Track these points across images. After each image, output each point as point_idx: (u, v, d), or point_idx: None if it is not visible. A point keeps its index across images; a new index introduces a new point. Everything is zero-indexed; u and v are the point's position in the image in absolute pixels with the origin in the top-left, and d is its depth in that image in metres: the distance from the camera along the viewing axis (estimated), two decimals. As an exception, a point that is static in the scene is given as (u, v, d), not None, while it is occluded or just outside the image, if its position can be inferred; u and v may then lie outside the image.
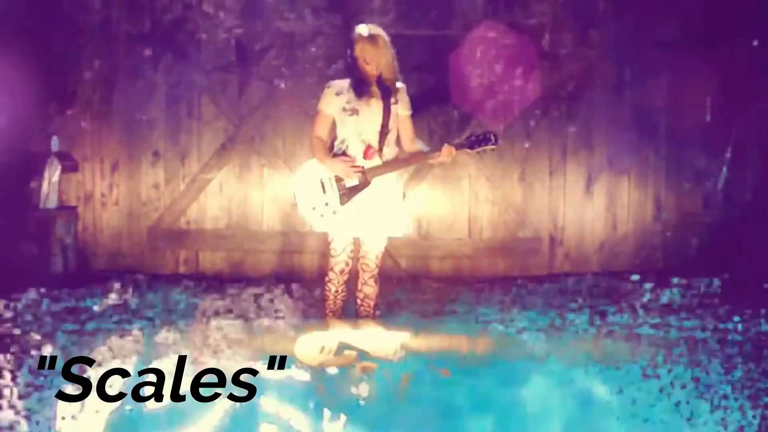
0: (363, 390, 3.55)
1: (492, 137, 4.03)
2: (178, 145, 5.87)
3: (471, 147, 4.08)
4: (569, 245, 5.96)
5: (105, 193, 5.90)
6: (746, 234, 5.75)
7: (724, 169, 5.90)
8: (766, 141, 5.81)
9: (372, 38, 4.02)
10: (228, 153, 5.86)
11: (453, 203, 5.90)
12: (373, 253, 4.24)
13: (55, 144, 5.62)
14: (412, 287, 5.54)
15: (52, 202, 5.58)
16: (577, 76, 5.86)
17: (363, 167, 4.08)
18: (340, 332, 4.24)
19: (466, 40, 5.79)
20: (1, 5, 5.33)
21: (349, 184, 4.08)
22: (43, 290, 5.12)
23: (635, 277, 5.66)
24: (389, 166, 4.11)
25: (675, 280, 5.53)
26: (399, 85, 4.19)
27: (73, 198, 5.87)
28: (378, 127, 4.10)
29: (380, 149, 4.10)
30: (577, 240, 5.96)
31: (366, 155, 4.08)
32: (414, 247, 5.89)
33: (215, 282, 5.61)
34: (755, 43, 5.75)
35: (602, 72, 5.87)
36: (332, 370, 3.76)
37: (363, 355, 3.94)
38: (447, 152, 4.04)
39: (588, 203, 5.96)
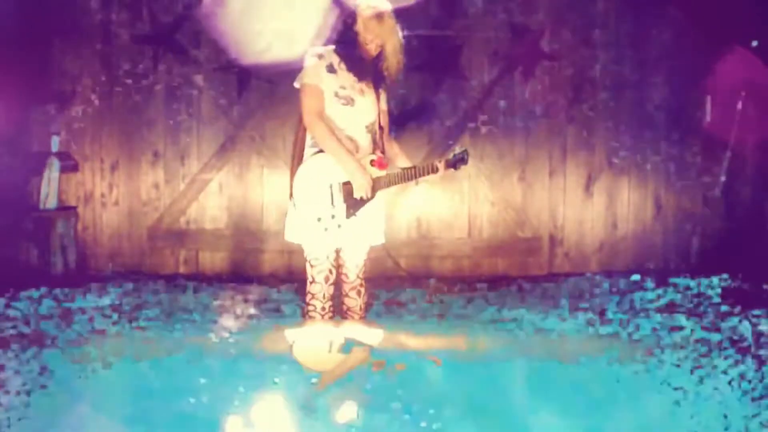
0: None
1: (467, 157, 3.67)
2: (178, 145, 5.87)
3: (454, 167, 3.66)
4: (569, 245, 5.96)
5: (105, 193, 5.90)
6: (746, 234, 5.75)
7: (724, 168, 5.90)
8: (766, 142, 5.80)
9: (378, 14, 3.47)
10: (228, 153, 5.87)
11: (453, 203, 5.90)
12: (353, 265, 3.70)
13: (55, 144, 5.62)
14: (412, 287, 5.54)
15: (52, 202, 5.58)
16: (577, 76, 5.86)
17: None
18: (342, 328, 3.78)
19: (465, 40, 5.79)
20: (1, 6, 5.34)
21: (356, 194, 3.51)
22: (43, 290, 5.12)
23: (635, 277, 5.66)
24: (394, 179, 3.58)
25: (675, 280, 5.53)
26: None
27: (73, 198, 5.87)
28: (370, 123, 3.56)
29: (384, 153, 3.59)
30: (577, 240, 5.96)
31: (380, 165, 3.55)
32: (414, 246, 5.89)
33: (215, 282, 5.61)
34: (755, 43, 5.74)
35: (602, 72, 5.87)
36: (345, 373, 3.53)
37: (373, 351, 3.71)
38: (442, 172, 3.61)
39: (588, 203, 5.96)
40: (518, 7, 5.81)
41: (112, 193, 5.91)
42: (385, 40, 3.50)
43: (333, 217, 3.49)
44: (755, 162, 5.90)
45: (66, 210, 5.69)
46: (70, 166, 5.70)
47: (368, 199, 3.51)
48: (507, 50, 5.82)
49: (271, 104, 5.84)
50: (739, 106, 5.80)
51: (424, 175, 3.60)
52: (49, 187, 5.57)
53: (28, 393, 3.47)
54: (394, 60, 3.55)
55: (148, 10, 5.77)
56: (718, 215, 5.94)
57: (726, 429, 3.19)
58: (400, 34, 3.56)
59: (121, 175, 5.89)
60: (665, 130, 5.91)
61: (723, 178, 5.90)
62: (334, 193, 3.49)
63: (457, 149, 3.93)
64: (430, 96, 5.82)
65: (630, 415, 3.32)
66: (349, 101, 3.50)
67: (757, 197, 5.89)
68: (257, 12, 5.73)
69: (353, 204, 3.50)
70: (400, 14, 5.81)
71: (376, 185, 3.53)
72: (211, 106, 5.84)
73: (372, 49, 3.50)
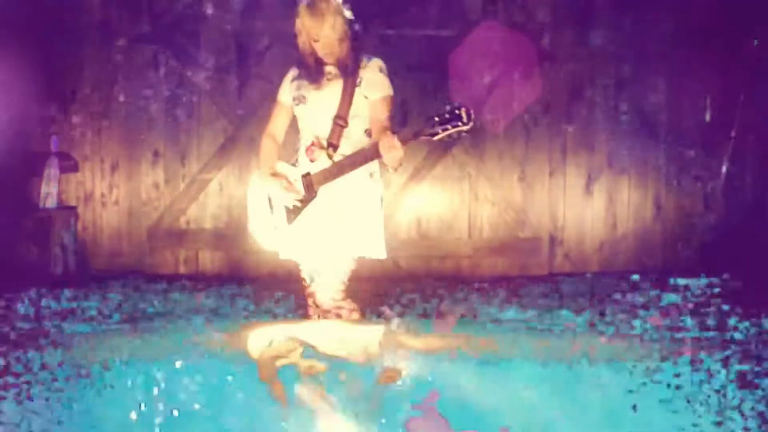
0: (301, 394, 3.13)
1: (461, 114, 2.90)
2: (178, 145, 5.87)
3: (434, 133, 2.97)
4: (569, 245, 5.96)
5: (105, 193, 5.91)
6: (746, 234, 5.74)
7: (724, 169, 5.90)
8: (766, 141, 5.80)
9: (312, 7, 3.20)
10: (228, 153, 5.87)
11: (453, 203, 5.90)
12: (324, 285, 3.33)
13: (55, 144, 5.63)
14: (412, 287, 5.54)
15: (52, 202, 5.58)
16: (577, 76, 5.86)
17: (309, 174, 3.30)
18: (298, 326, 3.61)
19: (466, 40, 5.79)
20: (1, 5, 5.34)
21: (293, 200, 3.34)
22: (43, 290, 5.12)
23: (635, 277, 5.67)
24: (336, 170, 3.21)
25: (675, 280, 5.53)
26: (369, 61, 3.36)
27: (73, 198, 5.87)
28: (332, 117, 3.32)
29: (331, 146, 3.28)
30: (577, 240, 5.96)
31: (307, 153, 3.31)
32: (414, 246, 5.89)
33: (215, 282, 5.61)
34: (755, 42, 5.75)
35: (602, 72, 5.87)
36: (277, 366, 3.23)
37: (309, 351, 3.32)
38: (388, 145, 2.99)
39: (588, 203, 5.96)
40: (518, 7, 5.81)
41: (112, 193, 5.91)
42: (317, 34, 3.23)
43: (275, 227, 3.40)
44: (756, 161, 5.90)
45: (66, 210, 5.69)
46: (70, 166, 5.71)
47: (307, 200, 3.28)
48: (507, 50, 5.82)
49: (271, 104, 5.82)
50: (740, 105, 5.80)
51: (361, 161, 3.18)
52: (49, 187, 5.57)
53: (28, 393, 3.47)
54: (335, 49, 3.26)
55: (148, 10, 5.77)
56: (718, 215, 5.94)
57: (726, 429, 3.19)
58: (341, 18, 3.25)
59: (121, 175, 5.90)
60: (665, 129, 5.91)
61: (723, 178, 5.90)
62: (273, 201, 3.43)
63: (448, 107, 2.94)
64: (430, 96, 5.82)
65: (630, 415, 3.32)
66: (301, 100, 3.42)
67: (757, 197, 5.89)
68: (258, 12, 5.73)
69: (293, 209, 3.33)
70: (401, 14, 5.83)
71: (315, 181, 3.29)
72: (211, 106, 5.84)
73: (320, 47, 3.27)
